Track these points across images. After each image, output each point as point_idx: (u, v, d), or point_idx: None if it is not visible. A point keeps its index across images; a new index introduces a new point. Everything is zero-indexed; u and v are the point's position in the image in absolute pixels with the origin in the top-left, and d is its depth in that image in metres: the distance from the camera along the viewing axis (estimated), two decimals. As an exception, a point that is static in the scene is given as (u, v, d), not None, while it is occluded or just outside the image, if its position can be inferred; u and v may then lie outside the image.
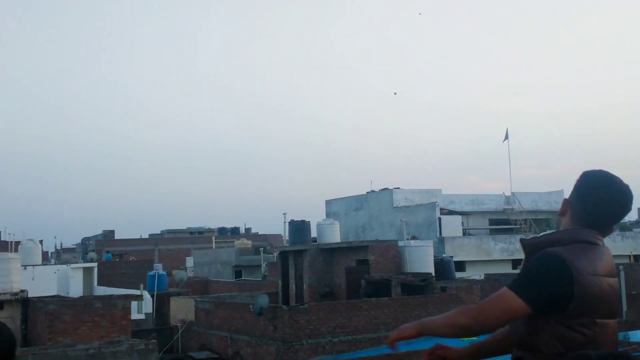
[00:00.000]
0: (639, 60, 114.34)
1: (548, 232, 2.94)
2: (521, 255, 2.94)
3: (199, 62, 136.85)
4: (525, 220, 41.24)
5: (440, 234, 37.59)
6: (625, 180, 2.82)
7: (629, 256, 38.41)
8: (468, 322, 2.68)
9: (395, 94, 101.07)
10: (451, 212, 40.18)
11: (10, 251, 33.43)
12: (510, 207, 41.94)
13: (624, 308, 27.63)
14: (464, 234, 39.90)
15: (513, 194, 42.50)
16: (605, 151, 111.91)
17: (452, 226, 38.55)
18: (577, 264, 2.64)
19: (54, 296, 26.89)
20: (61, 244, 78.37)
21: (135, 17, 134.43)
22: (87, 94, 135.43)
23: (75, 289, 31.46)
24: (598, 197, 2.79)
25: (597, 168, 2.89)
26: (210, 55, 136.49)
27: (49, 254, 71.52)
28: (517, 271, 2.96)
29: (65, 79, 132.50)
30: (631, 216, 58.07)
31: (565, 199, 2.94)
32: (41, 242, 41.92)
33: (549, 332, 2.65)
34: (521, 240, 2.94)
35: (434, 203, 39.25)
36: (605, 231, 2.83)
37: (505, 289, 2.68)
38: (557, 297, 2.62)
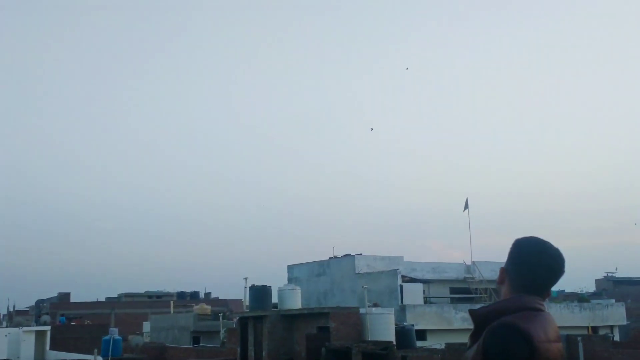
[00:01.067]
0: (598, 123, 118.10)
1: (492, 302, 3.02)
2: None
3: (152, 117, 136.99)
4: (486, 289, 41.50)
5: (402, 301, 37.52)
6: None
7: (587, 327, 38.72)
8: None
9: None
10: (413, 280, 40.24)
11: (-40, 313, 32.36)
12: (471, 275, 42.21)
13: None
14: (425, 302, 39.90)
15: (473, 262, 42.86)
16: (567, 219, 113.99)
17: (413, 294, 38.54)
18: (532, 332, 2.69)
19: (3, 360, 25.98)
20: (14, 306, 75.96)
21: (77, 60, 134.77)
22: (35, 149, 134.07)
23: (27, 354, 30.52)
24: (531, 263, 2.90)
25: (528, 235, 2.97)
26: (165, 107, 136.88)
27: (1, 316, 69.29)
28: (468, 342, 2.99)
29: (11, 130, 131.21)
30: (589, 287, 58.99)
31: (501, 268, 3.03)
32: (-7, 303, 40.72)
33: None
34: (470, 311, 2.98)
35: (396, 270, 39.32)
36: (543, 295, 2.93)
37: None
38: None
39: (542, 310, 2.87)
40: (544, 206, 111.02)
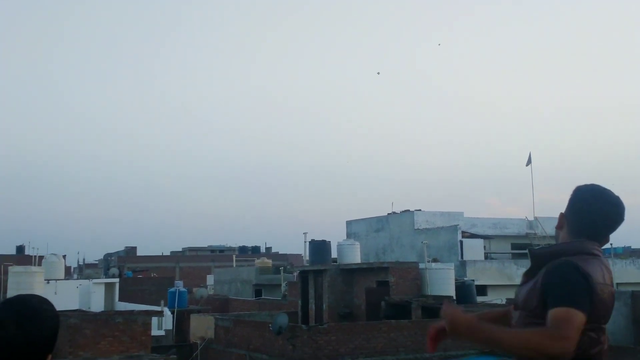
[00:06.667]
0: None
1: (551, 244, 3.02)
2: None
3: (220, 80, 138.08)
4: (549, 245, 40.86)
5: (462, 257, 37.35)
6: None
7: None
8: (550, 346, 2.49)
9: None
10: (473, 236, 39.94)
11: (34, 265, 33.85)
12: (533, 231, 41.60)
13: (632, 337, 27.06)
14: (486, 257, 39.60)
15: (536, 218, 42.18)
16: (634, 175, 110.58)
17: (473, 250, 38.30)
18: (591, 272, 2.75)
19: (75, 310, 27.14)
20: (84, 259, 78.88)
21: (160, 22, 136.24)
22: (111, 110, 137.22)
23: (97, 304, 31.72)
24: (591, 210, 2.93)
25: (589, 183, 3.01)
26: (233, 73, 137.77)
27: (72, 269, 72.10)
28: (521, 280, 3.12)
29: (92, 94, 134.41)
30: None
31: (561, 213, 3.09)
32: (64, 257, 42.35)
33: None
34: (529, 250, 3.10)
35: (456, 226, 39.06)
36: (602, 241, 2.96)
37: (559, 309, 2.60)
38: None
39: (598, 256, 2.91)
40: (610, 161, 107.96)
